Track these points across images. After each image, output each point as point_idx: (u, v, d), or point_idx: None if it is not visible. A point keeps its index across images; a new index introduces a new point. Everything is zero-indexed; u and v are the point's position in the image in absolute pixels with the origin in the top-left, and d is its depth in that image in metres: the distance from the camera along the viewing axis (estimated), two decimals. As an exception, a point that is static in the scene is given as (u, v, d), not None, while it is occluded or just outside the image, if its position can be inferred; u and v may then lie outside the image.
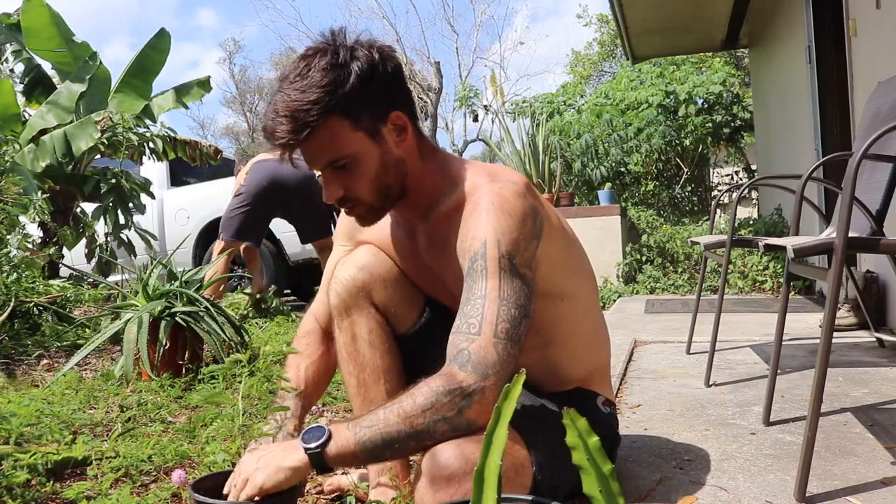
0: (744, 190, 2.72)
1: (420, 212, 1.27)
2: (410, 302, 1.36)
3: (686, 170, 9.22)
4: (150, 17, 49.50)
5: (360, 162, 1.17)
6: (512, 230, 1.13)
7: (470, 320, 1.08)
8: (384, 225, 1.35)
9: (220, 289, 4.05)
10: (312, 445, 1.06)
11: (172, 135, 5.24)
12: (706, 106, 9.02)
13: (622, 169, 8.67)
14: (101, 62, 5.32)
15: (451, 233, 1.19)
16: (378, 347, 1.33)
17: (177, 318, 2.52)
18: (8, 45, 5.38)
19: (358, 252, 1.36)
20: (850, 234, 1.38)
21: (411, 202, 1.26)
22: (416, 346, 1.36)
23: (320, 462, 1.06)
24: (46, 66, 5.61)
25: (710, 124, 8.90)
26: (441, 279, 1.30)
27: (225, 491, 1.15)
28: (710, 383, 2.32)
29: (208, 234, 6.13)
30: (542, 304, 1.21)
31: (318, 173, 1.22)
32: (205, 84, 5.76)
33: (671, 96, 8.97)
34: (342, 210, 1.26)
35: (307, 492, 1.45)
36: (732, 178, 10.44)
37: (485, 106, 14.94)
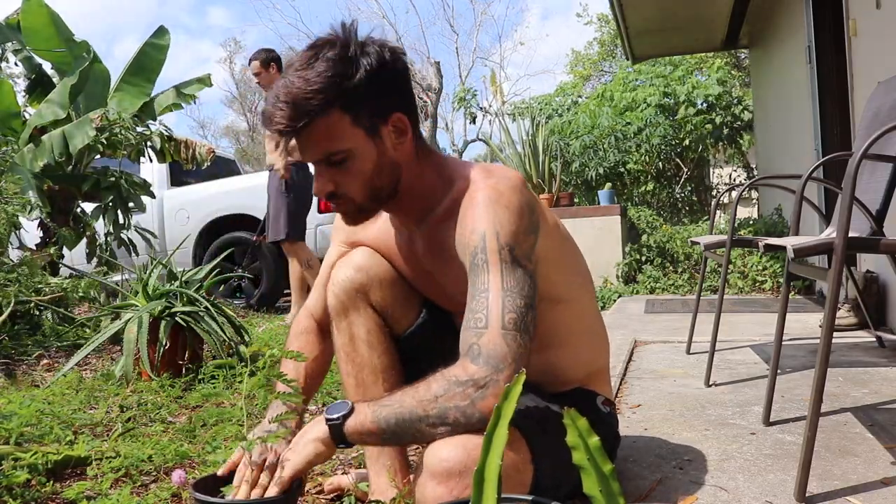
0: (744, 190, 2.72)
1: (417, 215, 1.26)
2: (408, 303, 1.36)
3: (686, 170, 9.21)
4: (166, 14, 49.58)
5: (356, 159, 1.15)
6: (510, 222, 1.12)
7: (476, 315, 1.07)
8: (382, 227, 1.35)
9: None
10: (334, 416, 1.09)
11: (168, 133, 5.23)
12: (705, 107, 9.02)
13: (621, 169, 8.66)
14: (95, 56, 5.30)
15: (449, 234, 1.18)
16: (376, 348, 1.33)
17: (177, 318, 2.52)
18: (8, 44, 5.38)
19: (355, 253, 1.36)
20: (850, 234, 1.38)
21: (407, 206, 1.25)
22: (412, 347, 1.37)
23: (340, 434, 1.08)
24: (47, 66, 5.61)
25: (709, 125, 8.90)
26: (440, 283, 1.30)
27: (236, 483, 1.16)
28: (710, 383, 2.32)
29: (208, 234, 6.13)
30: (538, 308, 1.21)
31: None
32: (205, 80, 5.74)
33: (669, 97, 8.97)
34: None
35: (307, 492, 1.45)
36: (730, 177, 10.45)
37: (482, 108, 14.95)
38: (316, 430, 1.11)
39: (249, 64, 4.60)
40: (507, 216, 1.12)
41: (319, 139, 1.14)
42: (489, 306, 1.07)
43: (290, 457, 1.12)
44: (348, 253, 1.37)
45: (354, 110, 1.13)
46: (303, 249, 4.47)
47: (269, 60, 4.49)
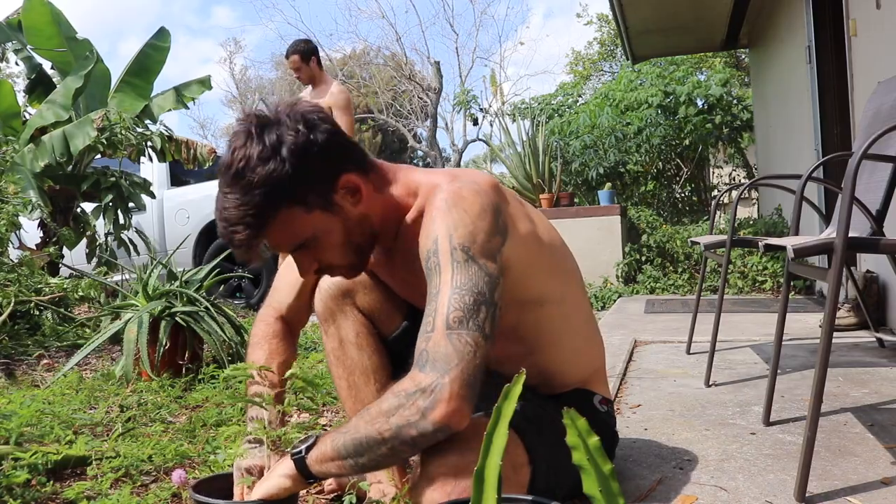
0: (744, 190, 2.72)
1: (393, 234, 1.25)
2: (393, 305, 1.37)
3: (686, 170, 9.21)
4: (171, 13, 49.52)
5: (324, 237, 1.15)
6: (466, 224, 1.09)
7: (427, 319, 1.05)
8: None
9: None
10: (297, 450, 1.09)
11: (169, 133, 5.23)
12: (706, 107, 9.01)
13: (622, 169, 8.65)
14: (99, 58, 5.30)
15: (417, 242, 1.17)
16: (365, 349, 1.35)
17: (177, 318, 2.53)
18: (9, 43, 5.38)
19: None
20: (850, 234, 1.38)
21: (383, 233, 1.24)
22: (399, 349, 1.37)
23: (304, 467, 1.07)
24: (47, 66, 5.61)
25: (709, 124, 8.89)
26: (419, 290, 1.30)
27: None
28: (710, 383, 2.32)
29: (208, 234, 6.13)
30: (519, 310, 1.19)
31: None
32: (205, 82, 5.74)
33: (670, 97, 8.96)
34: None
35: (307, 491, 1.46)
36: (730, 177, 10.44)
37: (482, 109, 14.96)
38: (283, 465, 1.11)
39: (288, 58, 4.29)
40: (464, 218, 1.10)
41: (281, 238, 1.14)
42: (437, 308, 1.05)
43: (255, 488, 1.13)
44: None
45: (300, 200, 1.12)
46: None
47: (308, 53, 4.17)
